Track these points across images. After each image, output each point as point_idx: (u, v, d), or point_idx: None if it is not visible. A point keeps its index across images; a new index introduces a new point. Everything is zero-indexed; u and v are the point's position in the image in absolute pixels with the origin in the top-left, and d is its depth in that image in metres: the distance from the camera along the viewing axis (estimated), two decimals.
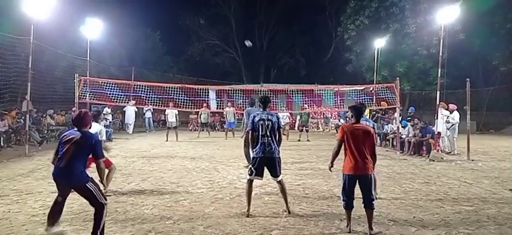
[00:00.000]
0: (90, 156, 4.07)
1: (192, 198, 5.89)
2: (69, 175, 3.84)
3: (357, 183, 4.33)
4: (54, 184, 4.07)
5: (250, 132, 5.20)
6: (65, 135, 4.03)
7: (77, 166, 3.85)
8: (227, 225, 4.58)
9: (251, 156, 5.30)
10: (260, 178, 5.09)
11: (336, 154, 4.47)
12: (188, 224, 4.62)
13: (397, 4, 23.57)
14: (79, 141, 3.88)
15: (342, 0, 28.35)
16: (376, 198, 4.55)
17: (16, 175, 7.47)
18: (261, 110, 5.26)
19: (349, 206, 4.38)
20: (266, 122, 5.01)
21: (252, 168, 5.03)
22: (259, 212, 5.13)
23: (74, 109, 12.93)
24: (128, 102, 16.84)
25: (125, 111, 19.22)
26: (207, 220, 4.76)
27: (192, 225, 4.60)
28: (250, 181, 5.04)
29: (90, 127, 4.28)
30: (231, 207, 5.37)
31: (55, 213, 4.02)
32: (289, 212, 5.04)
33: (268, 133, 4.99)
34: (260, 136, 5.00)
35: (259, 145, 5.00)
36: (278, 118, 5.18)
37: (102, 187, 4.10)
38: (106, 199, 3.96)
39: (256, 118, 5.07)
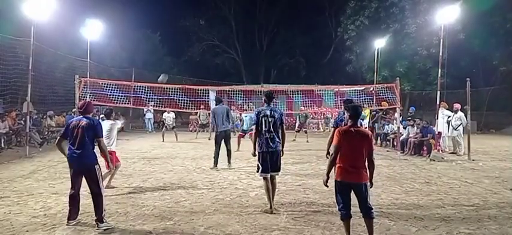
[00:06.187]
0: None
1: (192, 198, 5.89)
2: (83, 154, 4.46)
3: (353, 191, 3.92)
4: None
5: (254, 127, 5.50)
6: (72, 122, 4.64)
7: (88, 146, 4.51)
8: (228, 226, 4.58)
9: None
10: (267, 175, 5.24)
11: (332, 163, 3.97)
12: (189, 225, 4.62)
13: (397, 4, 23.57)
14: (85, 126, 4.52)
15: (341, 1, 28.34)
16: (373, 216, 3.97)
17: (17, 177, 7.47)
18: (266, 105, 5.43)
19: (345, 216, 3.93)
20: (269, 118, 5.25)
21: (259, 164, 5.28)
22: (260, 212, 5.13)
23: (74, 110, 12.94)
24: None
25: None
26: (208, 221, 4.76)
27: (193, 225, 4.60)
28: (265, 178, 5.26)
29: (92, 115, 4.91)
30: (232, 208, 5.36)
31: (72, 208, 4.52)
32: (271, 207, 5.12)
33: (271, 129, 5.24)
34: (264, 132, 5.24)
35: (263, 140, 5.25)
36: (281, 114, 5.40)
37: (105, 171, 4.76)
38: (103, 190, 4.61)
39: (261, 114, 5.31)
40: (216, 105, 9.13)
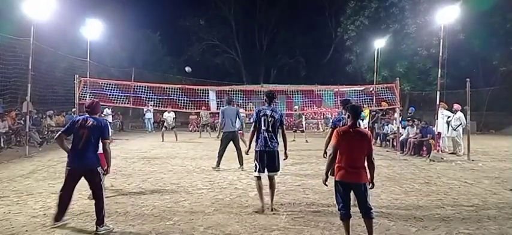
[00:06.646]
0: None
1: (192, 198, 5.89)
2: (86, 155, 4.38)
3: (352, 191, 3.95)
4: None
5: (252, 125, 5.45)
6: (78, 120, 4.53)
7: (92, 147, 4.43)
8: (227, 226, 4.58)
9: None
10: (263, 173, 5.24)
11: (331, 163, 3.98)
12: (188, 225, 4.62)
13: (397, 4, 23.58)
14: (92, 126, 4.43)
15: (341, 1, 28.36)
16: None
17: (16, 176, 7.47)
18: (266, 105, 5.41)
19: (345, 216, 3.92)
20: (269, 118, 5.21)
21: (257, 163, 5.23)
22: (259, 212, 5.12)
23: (73, 110, 12.94)
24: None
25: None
26: (208, 221, 4.76)
27: (193, 225, 4.60)
28: (258, 178, 5.24)
29: (99, 115, 4.87)
30: (232, 208, 5.36)
31: (60, 209, 4.46)
32: (272, 209, 5.16)
33: (270, 128, 5.20)
34: (262, 131, 5.21)
35: (261, 139, 5.20)
36: (281, 115, 5.37)
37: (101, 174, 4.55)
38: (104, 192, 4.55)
39: (261, 113, 5.28)
40: (227, 105, 8.90)
